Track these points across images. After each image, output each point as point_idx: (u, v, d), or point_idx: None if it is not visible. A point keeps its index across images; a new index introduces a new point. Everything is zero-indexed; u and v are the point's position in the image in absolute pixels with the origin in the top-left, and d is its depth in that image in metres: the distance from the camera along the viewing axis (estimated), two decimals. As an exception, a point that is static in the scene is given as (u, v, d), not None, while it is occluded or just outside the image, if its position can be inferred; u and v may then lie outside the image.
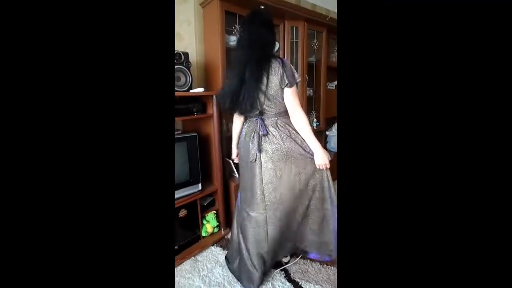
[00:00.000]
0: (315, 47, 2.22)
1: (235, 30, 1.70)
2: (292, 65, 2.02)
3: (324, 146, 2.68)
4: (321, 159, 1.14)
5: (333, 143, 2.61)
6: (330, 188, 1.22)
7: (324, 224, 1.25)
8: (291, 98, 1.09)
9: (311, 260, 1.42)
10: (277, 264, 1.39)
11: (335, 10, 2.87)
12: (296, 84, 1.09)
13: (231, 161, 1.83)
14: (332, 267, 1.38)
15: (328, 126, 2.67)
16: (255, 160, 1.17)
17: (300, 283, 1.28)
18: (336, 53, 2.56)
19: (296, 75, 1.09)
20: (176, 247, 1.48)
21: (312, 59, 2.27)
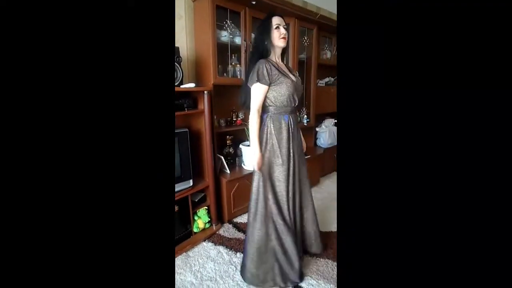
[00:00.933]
0: (305, 44, 2.24)
1: (226, 26, 1.69)
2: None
3: (314, 143, 2.73)
4: (252, 159, 1.16)
5: (322, 139, 2.65)
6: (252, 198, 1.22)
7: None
8: (250, 97, 1.14)
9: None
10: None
11: (326, 8, 2.90)
12: (259, 82, 1.09)
13: (222, 157, 1.84)
14: (320, 259, 1.43)
15: (318, 123, 2.71)
16: None
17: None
18: (326, 51, 2.59)
19: (257, 74, 1.08)
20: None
21: (303, 56, 2.29)
